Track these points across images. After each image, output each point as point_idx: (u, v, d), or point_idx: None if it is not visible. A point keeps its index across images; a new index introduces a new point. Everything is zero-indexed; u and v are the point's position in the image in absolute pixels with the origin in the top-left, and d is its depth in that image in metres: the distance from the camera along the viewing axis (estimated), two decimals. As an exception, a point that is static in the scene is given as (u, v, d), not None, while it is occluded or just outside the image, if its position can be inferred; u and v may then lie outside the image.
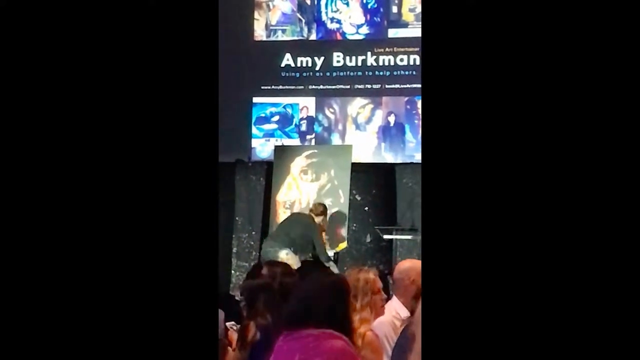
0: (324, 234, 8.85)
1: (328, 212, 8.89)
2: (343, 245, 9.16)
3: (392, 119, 10.28)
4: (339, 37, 10.59)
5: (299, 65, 10.57)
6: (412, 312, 4.33)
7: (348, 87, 10.44)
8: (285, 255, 8.05)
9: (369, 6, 10.48)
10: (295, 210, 9.25)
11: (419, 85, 10.08)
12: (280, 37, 10.70)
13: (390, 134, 10.27)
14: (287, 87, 10.55)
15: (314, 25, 10.66)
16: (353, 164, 9.45)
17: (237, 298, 5.77)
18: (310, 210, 8.53)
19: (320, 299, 3.27)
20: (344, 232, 9.19)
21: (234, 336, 4.75)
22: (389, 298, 4.57)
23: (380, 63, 10.37)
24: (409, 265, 4.68)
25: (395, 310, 4.45)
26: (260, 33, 10.64)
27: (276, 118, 10.55)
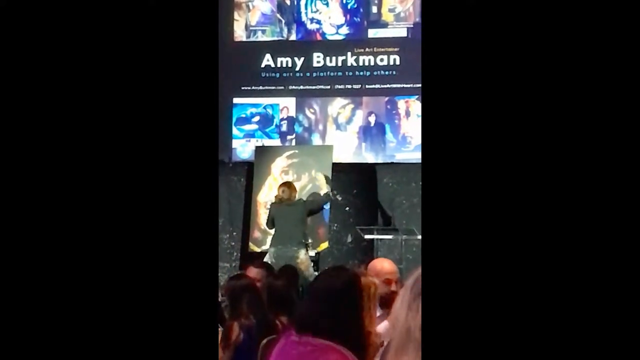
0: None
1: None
2: (324, 245, 9.17)
3: (372, 119, 10.30)
4: (318, 37, 10.60)
5: (279, 65, 10.57)
6: (387, 310, 4.34)
7: (328, 87, 10.45)
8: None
9: (349, 6, 10.49)
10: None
11: (399, 85, 10.12)
12: (260, 37, 10.70)
13: (370, 134, 10.28)
14: (267, 87, 10.54)
15: (294, 26, 10.66)
16: (334, 164, 9.46)
17: (219, 299, 5.75)
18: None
19: (331, 306, 3.23)
20: (324, 232, 9.20)
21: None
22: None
23: (361, 63, 10.39)
24: (372, 264, 4.69)
25: None
26: (240, 34, 10.63)
27: (257, 118, 10.54)
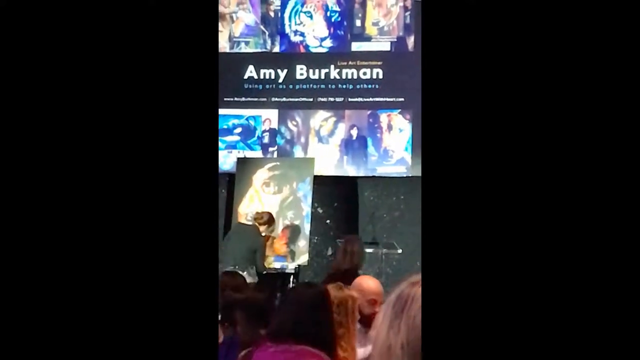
0: (272, 245, 8.88)
1: (277, 221, 8.89)
2: (304, 257, 9.15)
3: (354, 132, 10.30)
4: (302, 49, 10.60)
5: (262, 77, 10.56)
6: (367, 329, 4.32)
7: (311, 100, 10.45)
8: (250, 276, 8.00)
9: (333, 19, 10.51)
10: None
11: (382, 99, 10.14)
12: (244, 49, 10.69)
13: (352, 147, 10.28)
14: (250, 99, 10.53)
15: (278, 38, 10.66)
16: (315, 177, 9.46)
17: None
18: (255, 219, 8.45)
19: (303, 314, 3.27)
20: (305, 244, 9.18)
21: None
22: None
23: (344, 76, 10.39)
24: (357, 282, 4.64)
25: None
26: (223, 45, 10.62)
27: (239, 130, 10.53)
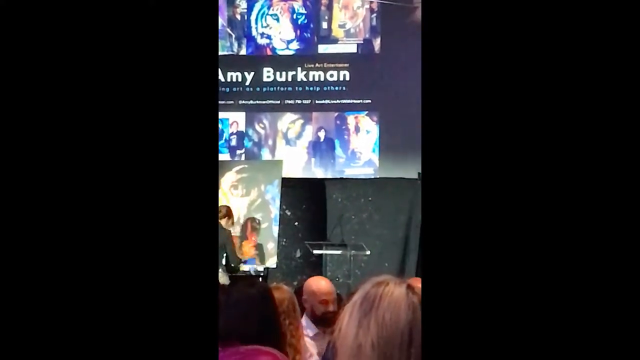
0: (241, 247, 8.90)
1: (246, 224, 8.92)
2: (273, 260, 9.14)
3: (322, 134, 10.31)
4: (269, 52, 10.61)
5: (229, 80, 10.55)
6: (324, 330, 4.33)
7: (278, 102, 10.45)
8: (221, 273, 8.01)
9: (299, 22, 10.52)
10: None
11: (349, 101, 10.16)
12: (211, 51, 10.66)
13: (320, 149, 10.29)
14: (217, 102, 10.50)
15: (244, 41, 10.66)
16: (283, 179, 9.46)
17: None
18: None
19: (248, 314, 3.25)
20: (273, 247, 9.18)
21: None
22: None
23: (311, 78, 10.41)
24: (308, 283, 4.66)
25: (305, 328, 4.43)
26: (190, 47, 10.57)
27: (206, 133, 10.49)
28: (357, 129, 10.22)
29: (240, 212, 9.37)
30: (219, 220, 8.26)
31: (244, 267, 9.07)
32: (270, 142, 10.44)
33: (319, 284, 4.62)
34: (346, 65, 10.27)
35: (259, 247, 9.17)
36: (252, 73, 10.49)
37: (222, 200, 9.40)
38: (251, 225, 9.32)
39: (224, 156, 10.39)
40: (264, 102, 10.48)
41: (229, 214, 8.44)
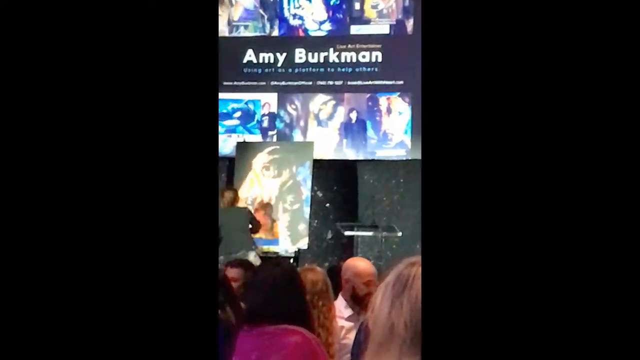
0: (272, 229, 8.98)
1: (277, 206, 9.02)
2: (304, 241, 9.17)
3: (353, 115, 10.29)
4: (301, 33, 10.59)
5: (261, 61, 10.55)
6: (358, 310, 4.32)
7: (310, 83, 10.44)
8: (253, 258, 8.09)
9: (332, 3, 10.48)
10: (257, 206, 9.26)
11: (381, 82, 10.12)
12: (243, 33, 10.67)
13: (352, 130, 10.27)
14: (249, 83, 10.52)
15: (277, 22, 10.64)
16: (315, 161, 9.46)
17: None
18: (228, 202, 8.58)
19: (274, 293, 3.26)
20: (304, 228, 9.20)
21: None
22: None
23: (343, 60, 10.38)
24: (351, 264, 4.64)
25: (339, 309, 4.42)
26: (222, 29, 10.60)
27: (238, 114, 10.52)
28: (389, 110, 10.19)
29: (271, 194, 9.40)
30: (234, 204, 8.38)
31: (275, 249, 9.11)
32: (302, 123, 10.43)
33: (361, 265, 4.60)
34: (378, 46, 10.23)
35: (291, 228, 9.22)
36: (285, 54, 10.48)
37: (254, 182, 9.44)
38: (283, 206, 9.35)
39: (256, 137, 10.40)
40: (296, 83, 10.46)
41: (236, 197, 8.58)
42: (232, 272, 5.07)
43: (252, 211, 8.83)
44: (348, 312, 4.43)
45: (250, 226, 8.44)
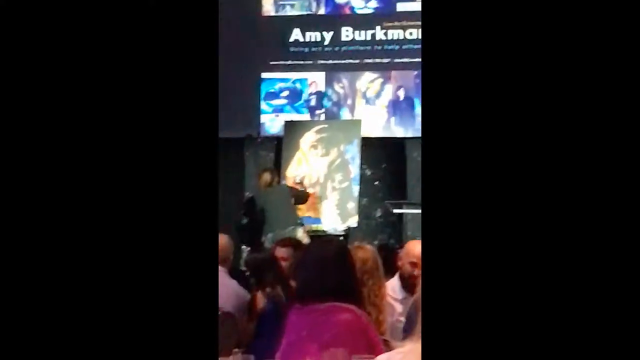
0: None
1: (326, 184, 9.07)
2: (354, 219, 9.16)
3: (401, 93, 10.24)
4: (347, 11, 10.54)
5: (307, 40, 10.52)
6: (411, 292, 4.31)
7: (357, 61, 10.39)
8: (302, 234, 8.14)
9: (378, -20, 10.42)
10: (306, 185, 9.27)
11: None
12: (289, 12, 10.65)
13: (399, 108, 10.23)
14: (296, 62, 10.51)
15: (323, 0, 10.60)
16: (363, 139, 9.44)
17: (243, 269, 5.79)
18: (266, 183, 8.65)
19: (324, 271, 3.26)
20: (353, 206, 9.19)
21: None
22: (392, 275, 4.53)
23: (390, 37, 10.32)
24: (409, 248, 4.63)
25: (393, 289, 4.41)
26: (268, 8, 10.60)
27: (285, 93, 10.52)
28: (437, 88, 10.11)
29: (320, 172, 9.40)
30: (273, 184, 8.45)
31: (324, 227, 9.13)
32: (349, 101, 10.41)
33: (413, 246, 4.59)
34: (426, 23, 10.14)
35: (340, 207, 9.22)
36: (331, 33, 10.44)
37: (302, 161, 9.45)
38: (331, 185, 9.36)
39: (303, 116, 10.41)
40: (343, 61, 10.43)
41: (273, 174, 8.72)
42: (281, 252, 5.09)
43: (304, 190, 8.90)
44: (402, 294, 4.43)
45: (294, 200, 8.52)
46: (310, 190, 9.14)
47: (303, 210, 8.92)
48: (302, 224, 8.42)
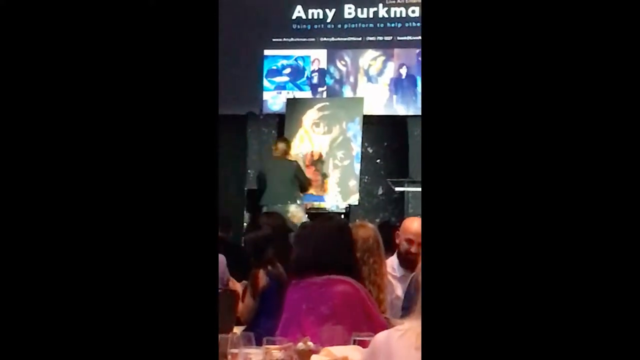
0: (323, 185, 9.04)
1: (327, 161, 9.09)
2: (355, 197, 9.18)
3: (403, 71, 10.23)
4: (350, -12, 10.51)
5: (310, 17, 10.50)
6: (410, 269, 4.32)
7: (359, 39, 10.38)
8: (295, 209, 8.15)
9: (381, -43, 10.38)
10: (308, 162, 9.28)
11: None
12: (292, -11, 10.63)
13: (402, 86, 10.22)
14: (298, 39, 10.49)
15: (326, -23, 10.58)
16: (365, 116, 9.44)
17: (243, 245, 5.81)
18: (281, 152, 8.66)
19: (323, 246, 3.28)
20: (355, 184, 9.21)
21: (237, 287, 4.77)
22: (392, 253, 4.53)
23: (392, 15, 10.30)
24: (407, 224, 4.62)
25: (392, 266, 4.41)
26: (271, -15, 10.57)
27: (288, 70, 10.51)
28: (439, 65, 10.08)
29: (322, 150, 9.41)
30: (285, 156, 8.45)
31: (326, 205, 9.15)
32: (351, 79, 10.40)
33: (411, 223, 4.58)
34: (428, 0, 10.11)
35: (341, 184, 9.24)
36: (334, 10, 10.42)
37: (304, 139, 9.45)
38: (333, 163, 9.37)
39: (305, 94, 10.40)
40: (345, 39, 10.41)
41: (287, 146, 8.71)
42: (263, 219, 5.11)
43: (303, 168, 8.88)
44: (401, 271, 4.43)
45: (298, 181, 8.50)
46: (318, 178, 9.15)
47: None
48: (300, 202, 8.42)
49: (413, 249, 4.34)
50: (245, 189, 9.32)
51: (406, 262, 4.40)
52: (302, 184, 8.61)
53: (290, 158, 8.71)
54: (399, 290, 4.35)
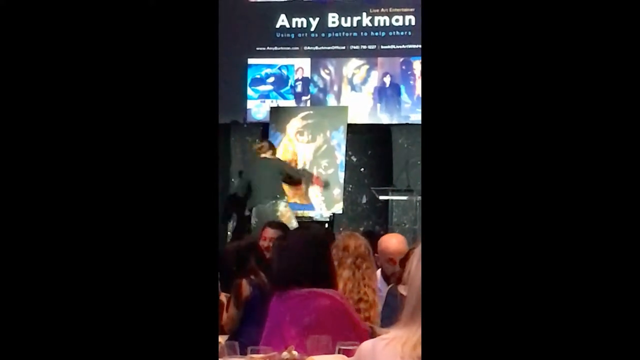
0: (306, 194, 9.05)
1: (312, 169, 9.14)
2: (339, 206, 9.18)
3: (387, 79, 10.24)
4: (334, -3, 10.53)
5: (294, 26, 10.51)
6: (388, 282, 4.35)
7: (343, 48, 10.39)
8: (283, 209, 8.16)
9: (364, -34, 10.40)
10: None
11: (415, 46, 10.05)
12: (275, -3, 10.63)
13: (385, 94, 10.23)
14: (282, 48, 10.50)
15: (309, -14, 10.59)
16: (349, 125, 9.45)
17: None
18: (265, 151, 8.71)
19: (302, 257, 3.28)
20: (339, 193, 9.21)
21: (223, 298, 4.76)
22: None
23: (376, 24, 10.32)
24: (383, 240, 4.64)
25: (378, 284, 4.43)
26: (255, -7, 10.57)
27: (271, 79, 10.51)
28: (423, 74, 10.11)
29: (306, 158, 9.41)
30: (265, 155, 8.46)
31: (311, 214, 9.14)
32: (335, 88, 10.41)
33: (389, 242, 4.61)
34: (412, 10, 10.14)
35: (325, 193, 9.23)
36: (317, 19, 10.43)
37: (288, 147, 9.45)
38: (317, 171, 9.36)
39: (289, 102, 10.40)
40: (329, 48, 10.42)
41: (272, 147, 8.79)
42: (270, 233, 5.10)
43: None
44: (385, 288, 4.46)
45: (288, 177, 8.54)
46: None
47: (290, 197, 8.91)
48: (283, 200, 8.43)
49: (397, 268, 4.38)
50: (228, 195, 9.29)
51: (382, 276, 4.46)
52: (293, 179, 8.65)
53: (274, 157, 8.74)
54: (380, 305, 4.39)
